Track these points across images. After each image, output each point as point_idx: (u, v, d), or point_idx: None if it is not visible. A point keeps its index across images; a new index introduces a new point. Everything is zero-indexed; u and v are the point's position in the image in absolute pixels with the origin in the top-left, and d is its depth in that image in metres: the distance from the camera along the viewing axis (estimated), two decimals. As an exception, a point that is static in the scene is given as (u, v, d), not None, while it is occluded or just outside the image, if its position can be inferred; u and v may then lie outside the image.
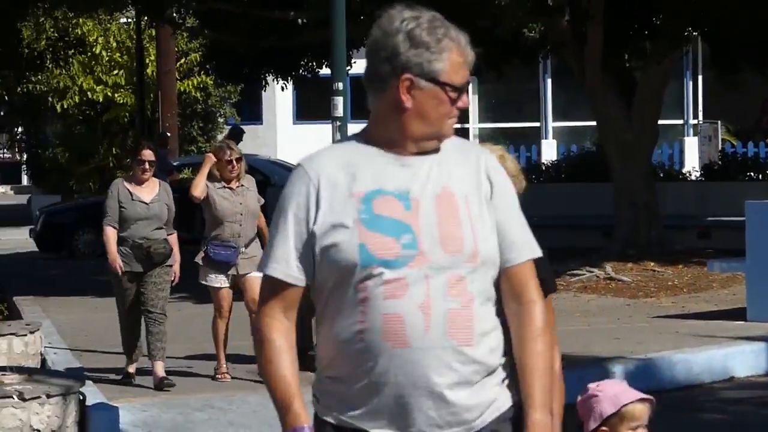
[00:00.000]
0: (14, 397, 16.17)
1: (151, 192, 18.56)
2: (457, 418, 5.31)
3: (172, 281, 19.36)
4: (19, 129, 74.46)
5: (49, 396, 16.44)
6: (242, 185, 19.31)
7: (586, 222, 37.01)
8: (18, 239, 43.78)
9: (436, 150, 5.52)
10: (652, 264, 30.26)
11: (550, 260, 24.07)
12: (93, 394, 17.42)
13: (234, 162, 19.17)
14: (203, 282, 19.51)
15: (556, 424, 5.78)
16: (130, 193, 18.29)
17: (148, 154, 18.78)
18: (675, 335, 22.47)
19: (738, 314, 23.34)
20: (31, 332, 21.44)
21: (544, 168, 49.98)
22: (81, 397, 16.75)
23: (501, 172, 5.66)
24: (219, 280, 18.76)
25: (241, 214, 18.86)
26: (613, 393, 7.24)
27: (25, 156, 78.53)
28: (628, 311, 25.96)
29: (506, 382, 5.48)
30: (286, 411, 5.36)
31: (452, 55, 5.41)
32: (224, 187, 18.97)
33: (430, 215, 5.33)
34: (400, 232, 5.29)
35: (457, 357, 5.26)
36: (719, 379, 20.24)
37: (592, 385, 7.34)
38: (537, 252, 5.61)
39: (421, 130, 5.44)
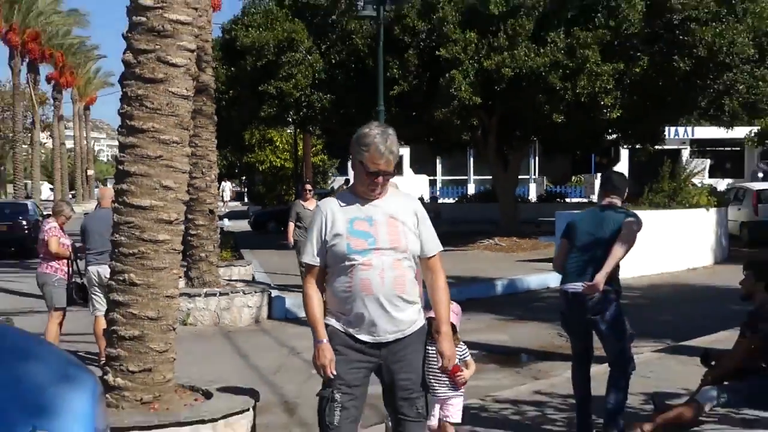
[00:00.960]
0: (241, 292, 16.25)
1: (312, 204, 17.09)
2: (398, 327, 5.42)
3: None
4: (244, 178, 74.53)
5: (255, 292, 16.53)
6: None
7: (486, 220, 36.69)
8: (242, 225, 43.58)
9: (383, 196, 5.54)
10: (515, 238, 29.93)
11: (472, 237, 23.35)
12: (274, 292, 17.52)
13: None
14: None
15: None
16: (302, 205, 17.18)
17: (309, 187, 18.01)
18: (525, 269, 22.33)
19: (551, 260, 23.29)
20: (248, 265, 21.56)
21: (468, 197, 50.06)
22: (269, 293, 16.84)
23: (422, 209, 5.64)
24: None
25: None
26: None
27: (246, 189, 78.44)
28: (505, 259, 25.80)
29: (421, 312, 5.60)
30: (315, 331, 5.43)
31: (370, 154, 5.36)
32: None
33: (383, 229, 5.43)
34: (367, 237, 5.39)
35: (398, 299, 5.38)
36: (542, 287, 20.18)
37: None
38: (440, 248, 5.66)
39: (361, 190, 5.51)
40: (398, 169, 49.65)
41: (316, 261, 5.52)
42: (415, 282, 5.54)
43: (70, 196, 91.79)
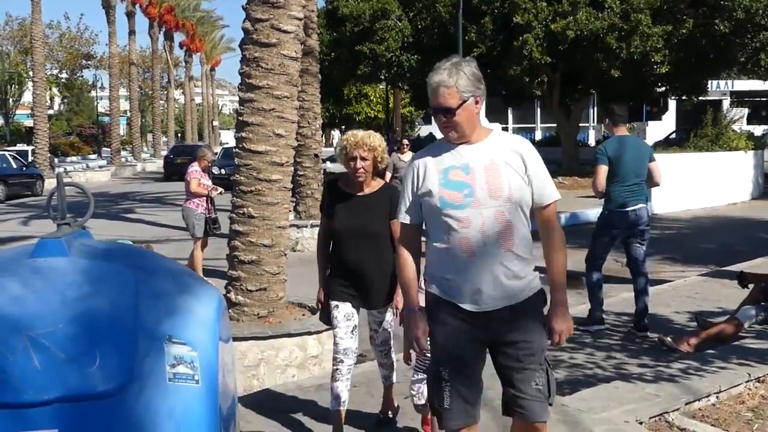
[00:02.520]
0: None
1: (407, 157, 16.09)
2: (508, 293, 3.79)
3: None
4: (343, 127, 74.04)
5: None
6: None
7: (551, 161, 35.68)
8: (339, 168, 43.54)
9: (483, 138, 3.95)
10: (576, 177, 29.39)
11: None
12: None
13: None
14: None
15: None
16: (398, 157, 16.46)
17: (407, 141, 17.35)
18: (585, 204, 21.75)
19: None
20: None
21: (535, 142, 49.33)
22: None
23: (531, 149, 3.96)
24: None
25: None
26: None
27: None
28: (568, 195, 25.21)
29: (536, 272, 3.90)
30: (406, 295, 3.99)
31: (429, 89, 4.05)
32: None
33: (482, 175, 3.80)
34: (463, 188, 3.81)
35: (508, 256, 3.81)
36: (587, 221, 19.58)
37: None
38: (556, 196, 3.96)
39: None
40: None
41: (405, 218, 4.03)
42: (528, 235, 3.89)
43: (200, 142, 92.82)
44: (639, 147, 8.39)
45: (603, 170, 8.14)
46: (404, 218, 4.04)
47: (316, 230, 16.63)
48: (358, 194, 5.56)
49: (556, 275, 3.92)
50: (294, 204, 16.26)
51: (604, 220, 8.43)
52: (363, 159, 5.43)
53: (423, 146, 4.48)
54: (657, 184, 8.36)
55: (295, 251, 15.48)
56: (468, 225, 3.80)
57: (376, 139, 5.52)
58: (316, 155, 16.89)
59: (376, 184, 5.61)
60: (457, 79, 3.91)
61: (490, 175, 3.83)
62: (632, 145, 8.31)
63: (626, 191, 8.18)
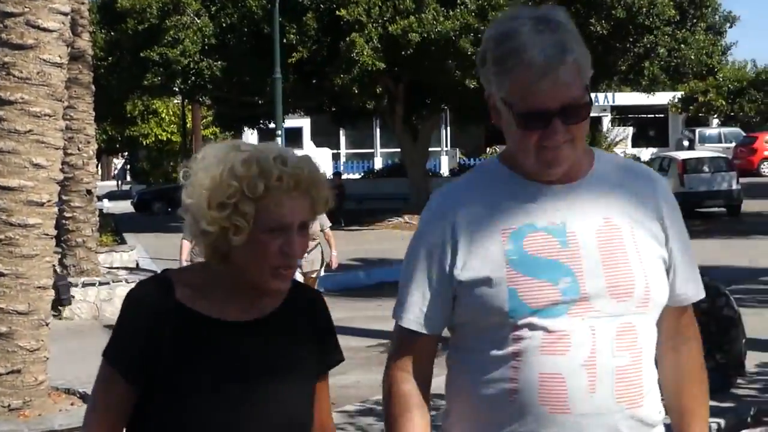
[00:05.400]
0: (124, 281, 16.04)
1: None
2: None
3: None
4: (126, 153, 73.55)
5: (140, 280, 16.32)
6: None
7: (396, 196, 36.57)
8: (125, 206, 43.36)
9: (581, 173, 2.52)
10: (426, 216, 30.15)
11: (379, 215, 23.26)
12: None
13: None
14: None
15: None
16: None
17: None
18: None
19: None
20: (132, 250, 21.32)
21: (375, 172, 50.05)
22: (156, 281, 16.73)
23: (673, 200, 2.59)
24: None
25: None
26: None
27: (129, 166, 77.58)
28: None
29: None
30: None
31: (517, 75, 2.34)
32: None
33: (593, 249, 2.44)
34: (558, 276, 2.40)
35: (629, 423, 2.39)
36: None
37: None
38: (702, 294, 2.64)
39: (528, 163, 2.45)
40: (298, 143, 49.17)
41: (420, 327, 2.54)
42: (655, 371, 2.51)
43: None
44: None
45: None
46: (417, 325, 2.54)
47: (90, 290, 16.42)
48: (254, 319, 2.65)
49: (693, 422, 2.60)
50: (60, 256, 15.87)
51: None
52: (303, 230, 2.59)
53: None
54: None
55: (60, 319, 15.11)
56: (564, 349, 2.38)
57: (323, 173, 2.69)
58: (89, 192, 16.58)
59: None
60: (577, 48, 2.37)
61: (607, 249, 2.44)
62: None
63: None
